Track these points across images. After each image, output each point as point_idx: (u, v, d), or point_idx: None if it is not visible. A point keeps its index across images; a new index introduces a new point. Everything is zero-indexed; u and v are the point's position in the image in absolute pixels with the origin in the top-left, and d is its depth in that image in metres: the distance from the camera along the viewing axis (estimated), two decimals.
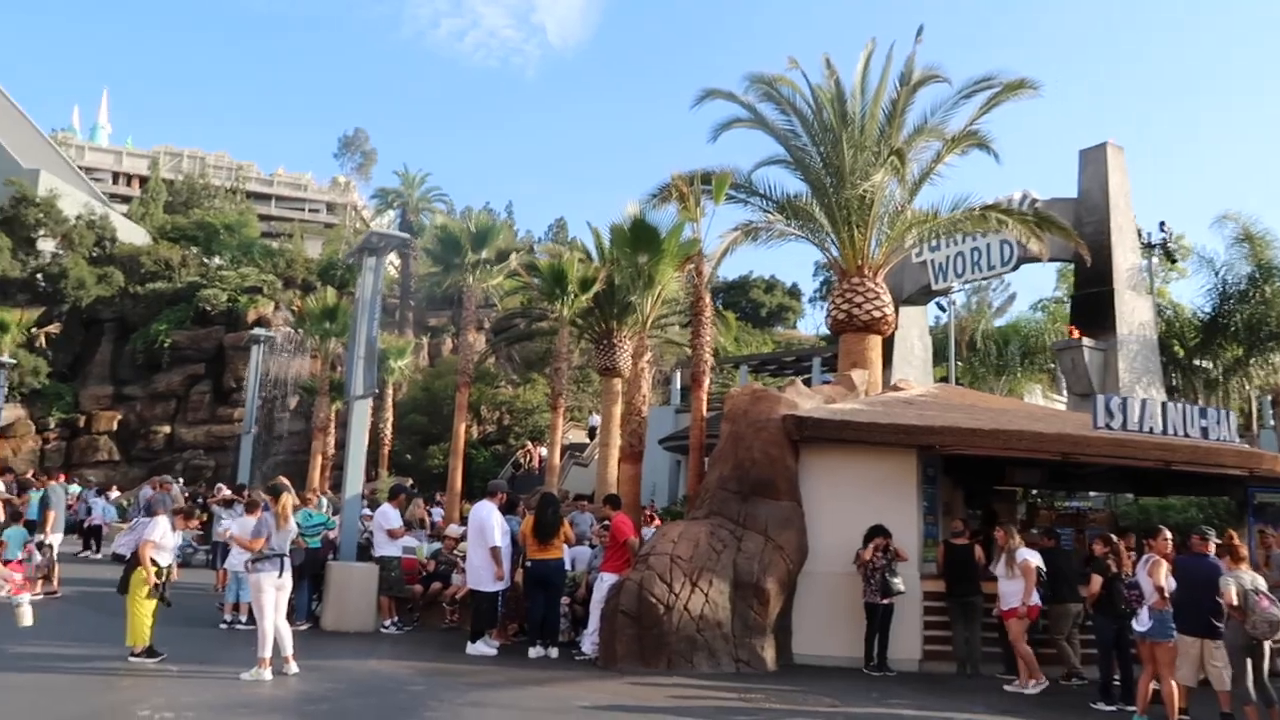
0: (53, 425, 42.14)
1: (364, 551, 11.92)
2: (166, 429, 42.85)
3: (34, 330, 40.39)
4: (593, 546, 12.46)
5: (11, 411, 41.09)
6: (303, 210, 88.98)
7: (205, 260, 52.37)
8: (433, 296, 51.71)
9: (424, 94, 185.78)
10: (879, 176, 13.93)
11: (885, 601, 10.28)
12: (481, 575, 10.29)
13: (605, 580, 10.52)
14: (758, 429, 11.19)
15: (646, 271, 15.10)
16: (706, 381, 14.54)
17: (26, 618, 7.57)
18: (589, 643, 10.56)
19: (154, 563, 8.69)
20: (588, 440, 36.31)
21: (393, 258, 70.52)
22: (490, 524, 10.29)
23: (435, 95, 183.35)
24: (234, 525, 10.06)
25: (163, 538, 8.84)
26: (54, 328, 42.31)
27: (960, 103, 15.12)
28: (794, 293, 69.45)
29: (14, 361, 34.02)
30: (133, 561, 8.72)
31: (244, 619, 10.69)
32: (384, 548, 11.32)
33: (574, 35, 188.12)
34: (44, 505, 14.27)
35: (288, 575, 8.78)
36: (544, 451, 34.84)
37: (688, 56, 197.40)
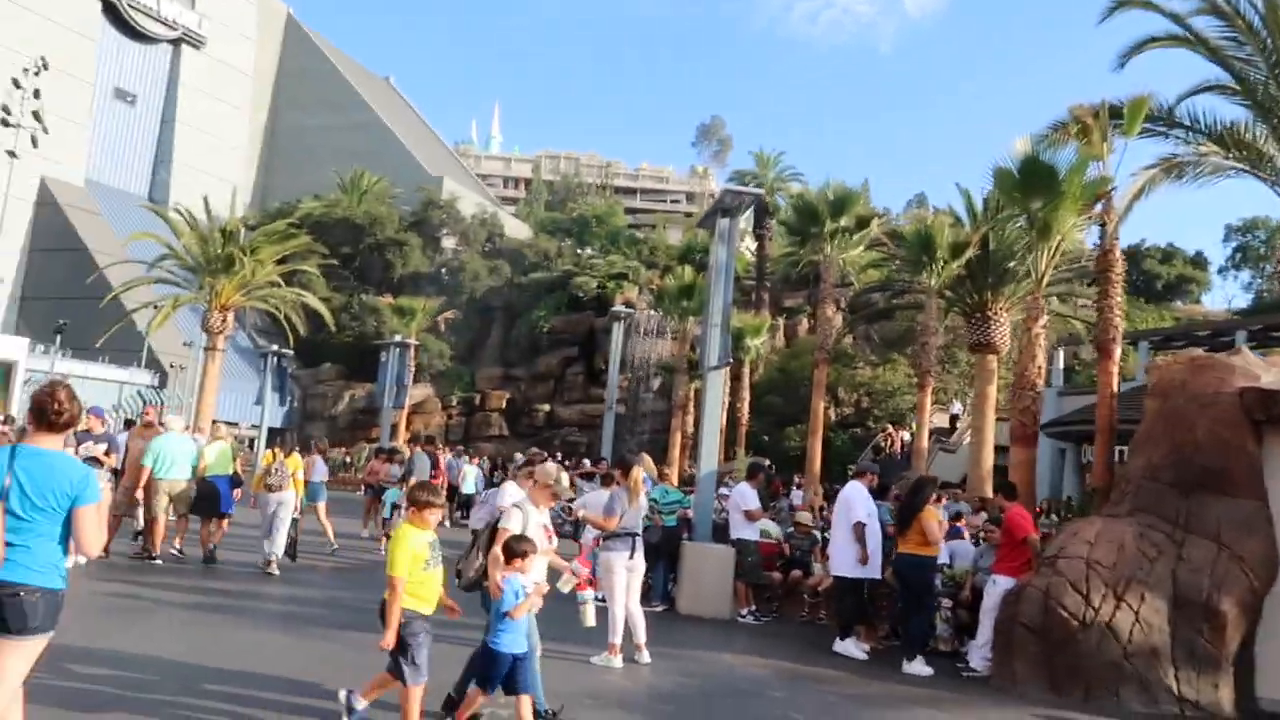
0: (455, 402, 47.30)
1: (720, 532, 11.18)
2: (546, 407, 46.25)
3: (437, 317, 45.38)
4: (977, 543, 10.72)
5: (422, 390, 46.73)
6: (664, 201, 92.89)
7: (578, 250, 56.07)
8: (788, 277, 50.92)
9: (777, 79, 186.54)
10: None
11: None
12: (844, 558, 9.09)
13: (999, 584, 8.79)
14: (1202, 405, 8.77)
15: (1041, 220, 12.81)
16: (1116, 352, 12.05)
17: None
18: (978, 657, 8.91)
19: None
20: (948, 427, 33.54)
21: (748, 241, 71.05)
22: (855, 501, 9.13)
23: (788, 80, 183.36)
24: (587, 497, 9.73)
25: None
26: (451, 314, 47.29)
27: None
28: (1198, 262, 59.50)
29: (417, 344, 38.20)
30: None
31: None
32: (741, 529, 10.48)
33: (931, 2, 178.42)
34: (406, 472, 15.06)
35: (639, 556, 8.15)
36: (906, 435, 32.69)
37: (1055, 12, 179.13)
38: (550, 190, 79.22)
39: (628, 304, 46.88)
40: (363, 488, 20.06)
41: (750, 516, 10.43)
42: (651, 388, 47.16)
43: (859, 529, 9.00)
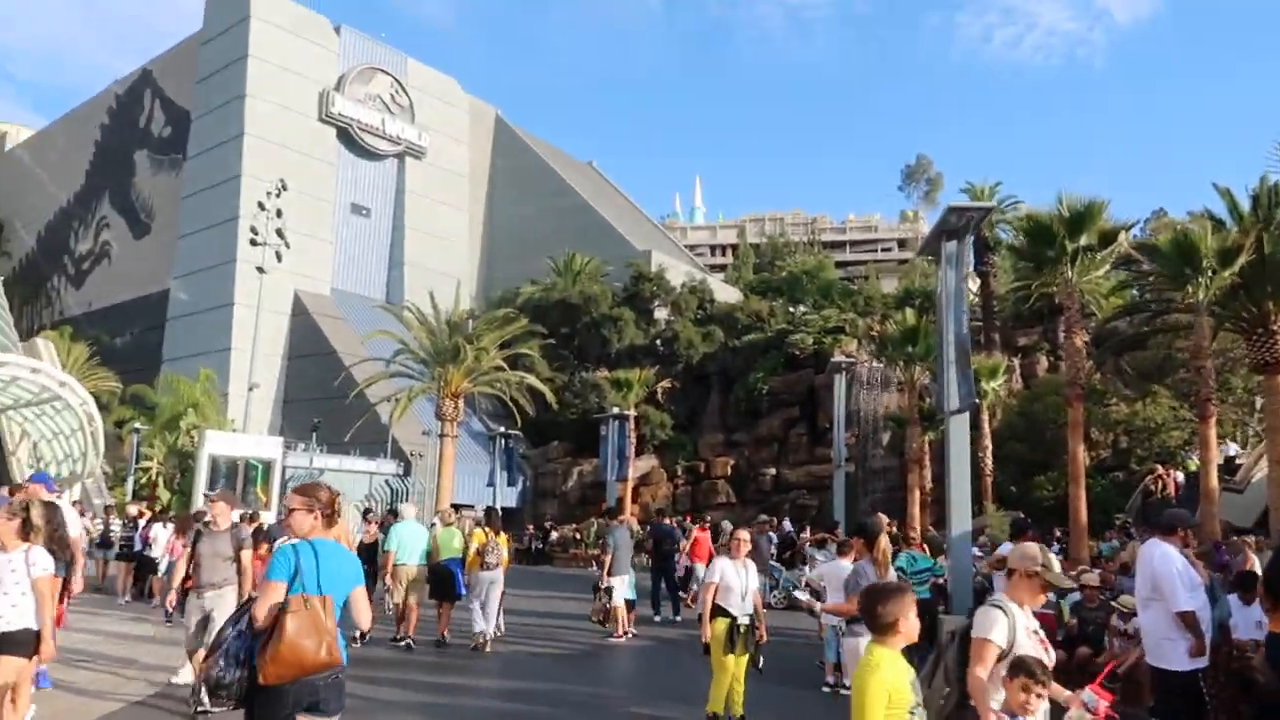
0: (679, 472, 47.02)
1: (979, 599, 9.65)
2: (772, 471, 44.96)
3: (655, 387, 45.50)
4: None
5: (646, 462, 46.83)
6: (875, 251, 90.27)
7: (790, 309, 54.95)
8: (1018, 314, 47.38)
9: (983, 110, 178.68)
10: None
11: None
12: (1163, 647, 6.82)
13: None
14: None
15: None
16: None
17: None
18: None
19: (723, 612, 7.18)
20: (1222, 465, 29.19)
21: (970, 282, 67.17)
22: (1166, 574, 6.75)
23: (995, 110, 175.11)
24: (823, 568, 8.65)
25: (725, 578, 7.17)
26: (669, 382, 47.31)
27: None
28: None
29: (636, 414, 38.19)
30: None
31: (848, 683, 9.16)
32: None
33: (1144, 8, 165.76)
34: (602, 547, 14.42)
35: None
36: (1179, 475, 28.83)
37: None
38: (757, 253, 78.93)
39: (848, 356, 45.18)
40: (594, 564, 19.72)
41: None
42: (880, 443, 44.79)
43: (1189, 620, 6.75)
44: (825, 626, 9.11)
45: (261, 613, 4.06)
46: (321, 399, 47.17)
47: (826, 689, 9.60)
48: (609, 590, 13.25)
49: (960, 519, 9.00)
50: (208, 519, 8.61)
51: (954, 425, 9.07)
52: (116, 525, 18.07)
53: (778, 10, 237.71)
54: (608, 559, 13.36)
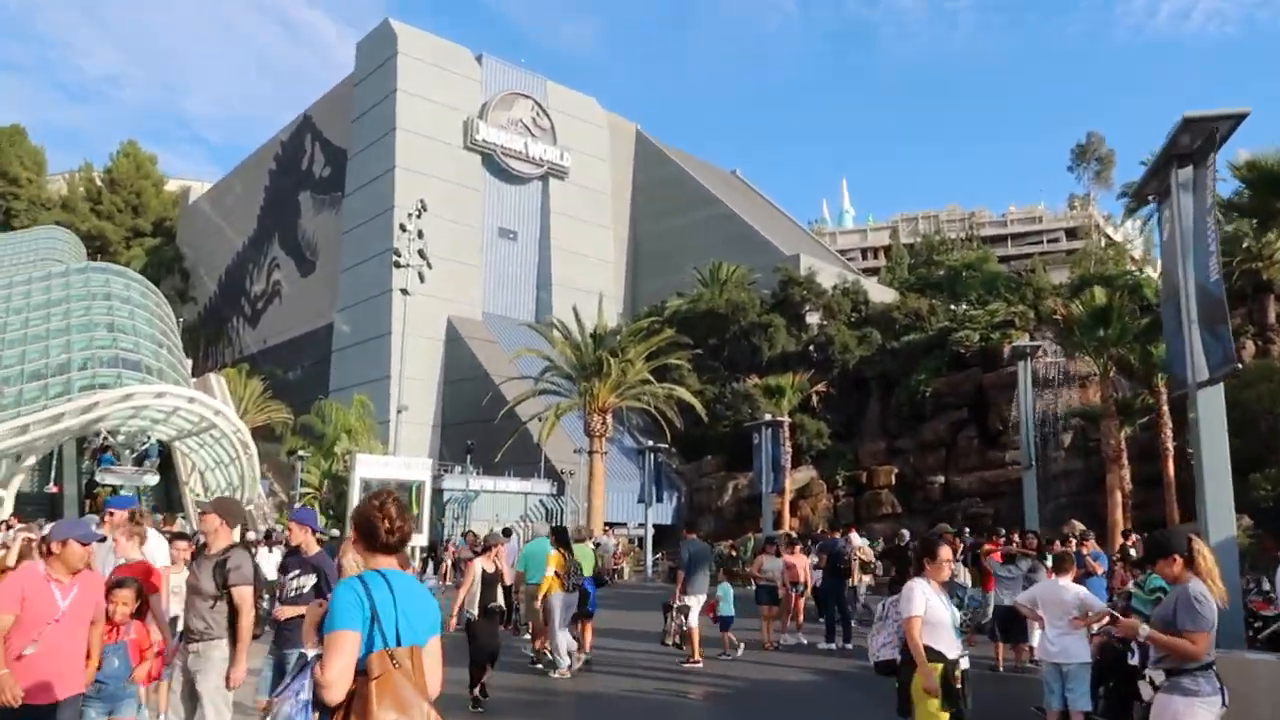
0: (840, 483, 44.61)
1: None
2: (940, 478, 42.03)
3: (809, 392, 43.42)
4: None
5: (805, 473, 44.71)
6: (1040, 243, 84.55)
7: (952, 306, 51.64)
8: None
9: (1154, 88, 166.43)
10: None
11: None
12: None
13: None
14: None
15: None
16: None
17: None
18: None
19: (934, 654, 5.17)
20: None
21: (1149, 268, 61.36)
22: None
23: (1168, 86, 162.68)
24: (1039, 591, 6.85)
25: (931, 609, 5.22)
26: (824, 386, 45.10)
27: None
28: None
29: (790, 420, 36.25)
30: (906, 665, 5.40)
31: None
32: None
33: None
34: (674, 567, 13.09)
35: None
36: None
37: None
38: (911, 252, 75.19)
39: (1018, 354, 41.70)
40: (752, 584, 18.04)
41: None
42: (1061, 444, 41.04)
43: None
44: (1044, 663, 7.16)
45: (332, 680, 2.80)
46: (476, 422, 47.59)
47: None
48: (684, 610, 12.16)
49: (1220, 523, 6.94)
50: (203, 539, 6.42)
51: (1204, 401, 7.00)
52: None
53: (918, 3, 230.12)
54: (680, 575, 12.49)
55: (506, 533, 14.99)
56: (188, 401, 21.69)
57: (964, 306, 51.30)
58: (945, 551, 5.25)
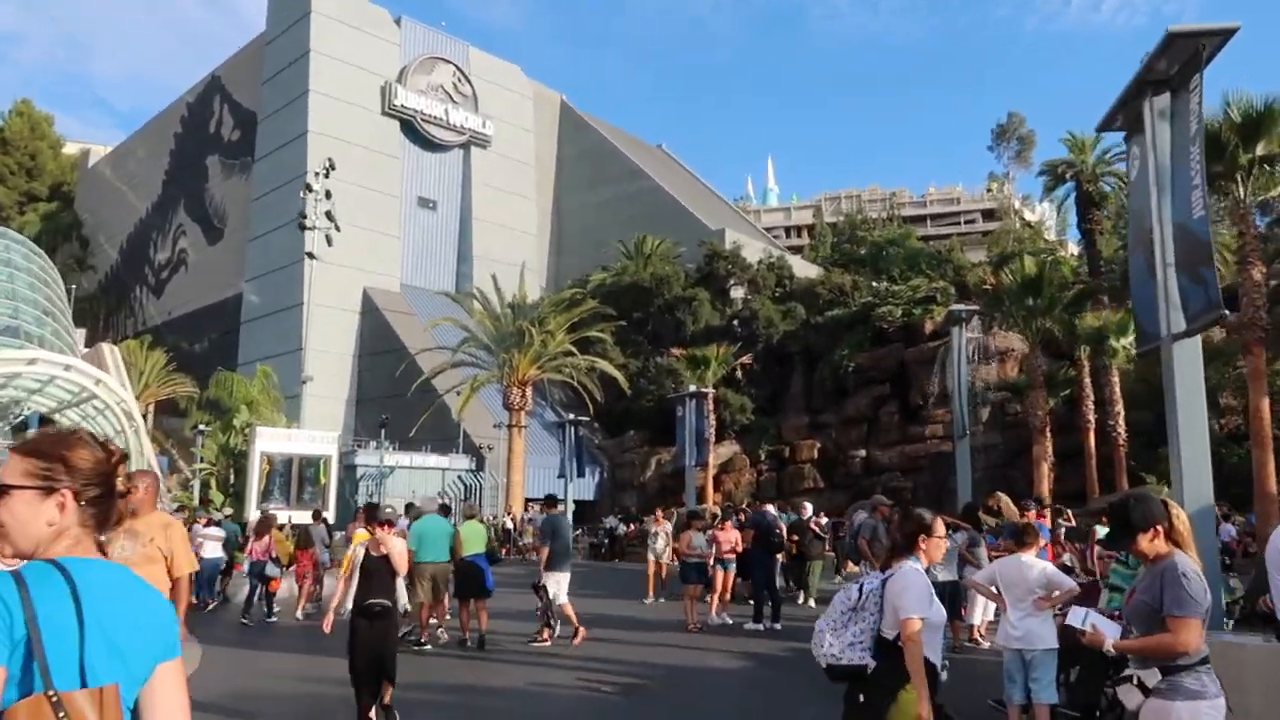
0: (763, 458, 44.38)
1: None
2: (862, 452, 42.12)
3: (734, 364, 42.95)
4: None
5: (729, 448, 44.33)
6: (958, 223, 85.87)
7: (875, 283, 51.76)
8: (1126, 273, 43.57)
9: (1067, 75, 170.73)
10: None
11: None
12: None
13: None
14: None
15: None
16: None
17: None
18: None
19: (928, 665, 3.99)
20: None
21: (1070, 246, 62.61)
22: None
23: (1081, 74, 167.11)
24: (999, 568, 6.07)
25: (935, 611, 4.15)
26: (746, 359, 44.72)
27: None
28: None
29: (714, 391, 35.64)
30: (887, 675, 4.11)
31: None
32: None
33: None
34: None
35: None
36: None
37: None
38: (834, 231, 75.45)
39: (938, 333, 41.85)
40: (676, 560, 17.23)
41: None
42: (980, 419, 41.42)
43: None
44: (1005, 650, 6.35)
45: None
46: (393, 396, 45.91)
47: None
48: (545, 587, 11.52)
49: (1197, 490, 6.24)
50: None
51: (1180, 355, 6.30)
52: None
53: None
54: (544, 553, 11.64)
55: (410, 509, 13.86)
56: (64, 369, 19.88)
57: (886, 283, 51.49)
58: (942, 526, 4.25)
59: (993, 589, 6.49)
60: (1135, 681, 3.63)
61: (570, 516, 34.40)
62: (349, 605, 7.10)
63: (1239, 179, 13.58)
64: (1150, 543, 3.70)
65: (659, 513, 18.39)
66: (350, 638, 7.08)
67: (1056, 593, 6.21)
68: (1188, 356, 6.44)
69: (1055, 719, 6.27)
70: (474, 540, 11.67)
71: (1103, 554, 8.31)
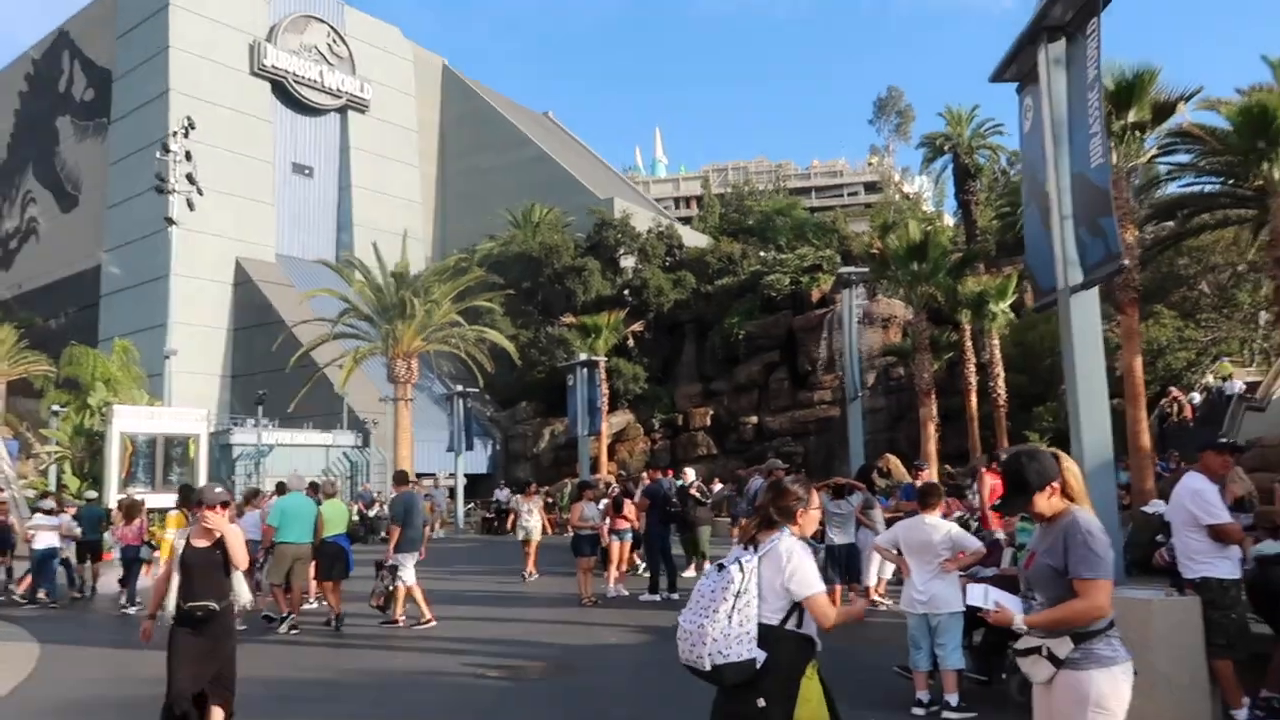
0: (657, 426, 44.45)
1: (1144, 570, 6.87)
2: (754, 419, 42.62)
3: (625, 332, 42.69)
4: None
5: (622, 417, 44.19)
6: (841, 196, 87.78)
7: (762, 252, 52.23)
8: (1003, 243, 45.17)
9: (948, 51, 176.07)
10: None
11: None
12: None
13: None
14: None
15: None
16: None
17: None
18: None
19: (807, 644, 3.63)
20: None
21: (946, 217, 64.62)
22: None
23: (962, 51, 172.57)
24: (901, 530, 5.85)
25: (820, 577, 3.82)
26: (638, 326, 44.57)
27: None
28: None
29: (605, 360, 35.26)
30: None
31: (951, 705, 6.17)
32: (1205, 561, 5.66)
33: None
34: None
35: None
36: (1196, 397, 27.42)
37: None
38: (722, 202, 75.97)
39: (826, 300, 42.54)
40: (569, 530, 16.66)
41: (1222, 535, 5.58)
42: (866, 383, 42.44)
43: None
44: (909, 615, 6.13)
45: None
46: (272, 371, 43.82)
47: (920, 711, 6.40)
48: (393, 569, 11.04)
49: (1097, 446, 6.12)
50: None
51: (1077, 307, 6.14)
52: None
53: None
54: (395, 533, 11.10)
55: (280, 489, 13.01)
56: None
57: (774, 252, 52.04)
58: (817, 498, 3.85)
59: (894, 551, 6.33)
60: (1044, 653, 3.32)
61: (460, 490, 33.81)
62: (170, 607, 5.68)
63: (1112, 145, 13.89)
64: (1048, 500, 3.39)
65: (531, 488, 18.12)
66: (169, 651, 5.63)
67: (962, 554, 6.06)
68: (1085, 309, 6.34)
69: (962, 684, 6.17)
70: (336, 520, 11.35)
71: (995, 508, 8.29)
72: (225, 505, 5.86)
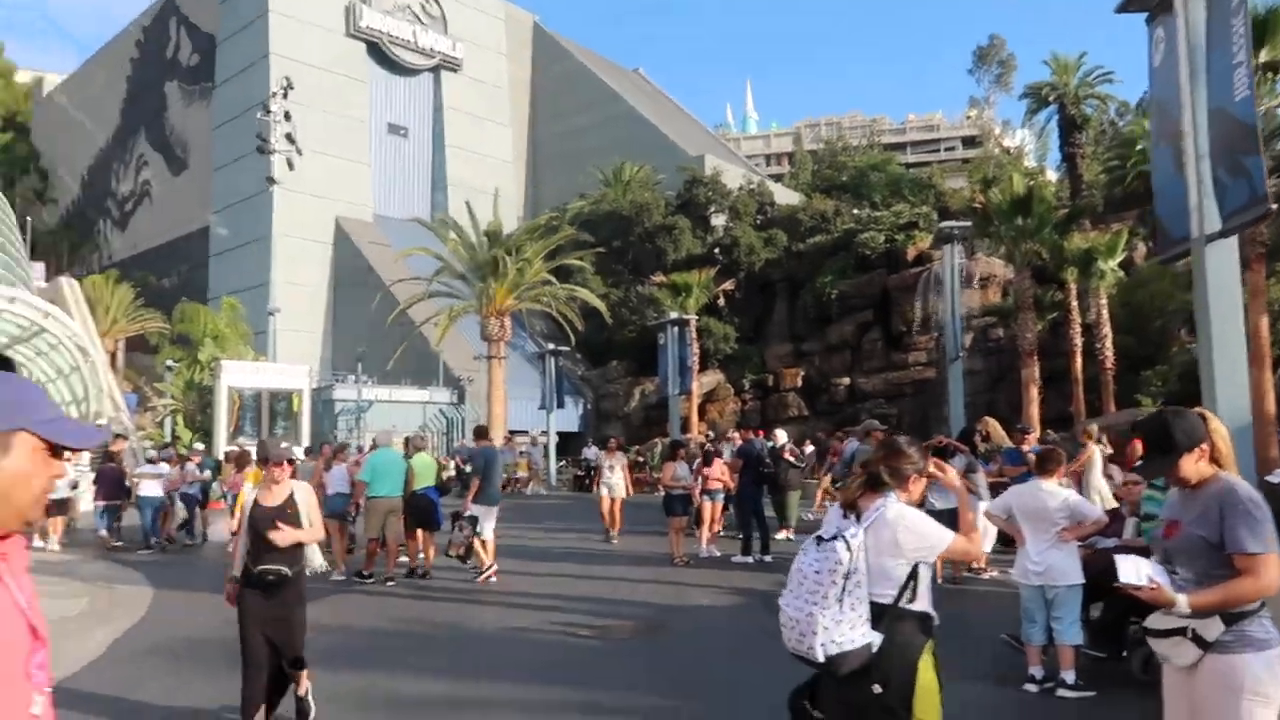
0: (747, 387, 44.05)
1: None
2: (846, 380, 41.79)
3: (715, 291, 42.28)
4: None
5: (712, 377, 43.92)
6: (937, 151, 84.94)
7: (855, 211, 50.92)
8: (1109, 199, 42.91)
9: (1050, 4, 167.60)
10: None
11: None
12: None
13: None
14: None
15: None
16: None
17: None
18: None
19: (925, 621, 3.34)
20: None
21: (1050, 171, 61.77)
22: None
23: (1060, 4, 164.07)
24: (1012, 497, 5.53)
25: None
26: (729, 284, 44.06)
27: None
28: None
29: (696, 318, 34.99)
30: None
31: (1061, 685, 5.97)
32: None
33: None
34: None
35: None
36: None
37: None
38: (815, 159, 74.24)
39: (924, 257, 41.23)
40: (660, 489, 16.48)
41: None
42: (963, 345, 41.13)
43: None
44: (1023, 587, 5.77)
45: None
46: (371, 328, 44.96)
47: (1033, 687, 6.00)
48: (472, 519, 11.11)
49: (1233, 403, 5.69)
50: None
51: (1213, 258, 5.63)
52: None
53: None
54: (474, 485, 11.42)
55: (373, 445, 13.33)
56: (8, 302, 18.90)
57: (868, 209, 50.65)
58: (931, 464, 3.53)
59: (1005, 518, 5.98)
60: (1190, 634, 2.99)
61: (553, 448, 34.21)
62: (237, 569, 5.44)
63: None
64: (1195, 465, 3.06)
65: (612, 443, 17.22)
66: (239, 617, 5.29)
67: (1082, 524, 5.69)
68: (1223, 259, 5.80)
69: (1079, 660, 5.82)
70: (425, 473, 11.69)
71: (1127, 479, 7.79)
72: (292, 463, 5.66)
